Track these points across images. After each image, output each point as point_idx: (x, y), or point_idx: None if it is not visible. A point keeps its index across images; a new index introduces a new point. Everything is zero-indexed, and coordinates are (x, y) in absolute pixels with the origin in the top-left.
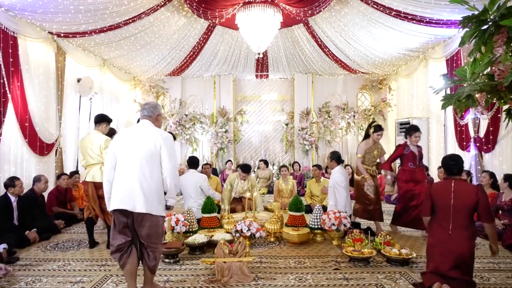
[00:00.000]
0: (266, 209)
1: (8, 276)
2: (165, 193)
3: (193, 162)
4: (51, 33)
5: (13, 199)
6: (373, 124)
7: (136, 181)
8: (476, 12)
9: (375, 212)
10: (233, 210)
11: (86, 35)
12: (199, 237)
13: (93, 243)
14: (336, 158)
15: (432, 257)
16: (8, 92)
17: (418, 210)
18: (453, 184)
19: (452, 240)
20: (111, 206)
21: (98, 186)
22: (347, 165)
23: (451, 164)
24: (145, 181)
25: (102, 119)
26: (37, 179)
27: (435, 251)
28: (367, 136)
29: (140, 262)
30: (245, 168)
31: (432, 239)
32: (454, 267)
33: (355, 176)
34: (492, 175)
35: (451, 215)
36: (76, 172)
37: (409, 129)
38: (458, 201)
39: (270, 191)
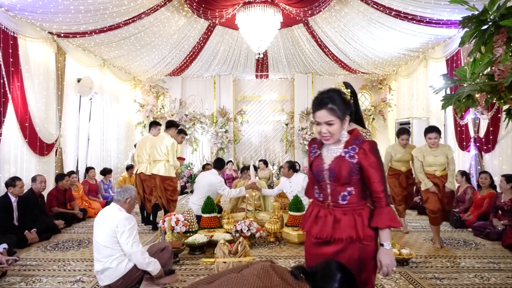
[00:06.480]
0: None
1: (14, 265)
2: None
3: (218, 164)
4: (51, 33)
5: (13, 199)
6: None
7: None
8: (476, 12)
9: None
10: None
11: (86, 35)
12: (199, 237)
13: (155, 227)
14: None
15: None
16: (8, 92)
17: None
18: None
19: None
20: None
21: (164, 178)
22: None
23: None
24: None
25: (171, 125)
26: (32, 179)
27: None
28: None
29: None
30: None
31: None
32: None
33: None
34: (489, 175)
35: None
36: (73, 172)
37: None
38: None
39: None
